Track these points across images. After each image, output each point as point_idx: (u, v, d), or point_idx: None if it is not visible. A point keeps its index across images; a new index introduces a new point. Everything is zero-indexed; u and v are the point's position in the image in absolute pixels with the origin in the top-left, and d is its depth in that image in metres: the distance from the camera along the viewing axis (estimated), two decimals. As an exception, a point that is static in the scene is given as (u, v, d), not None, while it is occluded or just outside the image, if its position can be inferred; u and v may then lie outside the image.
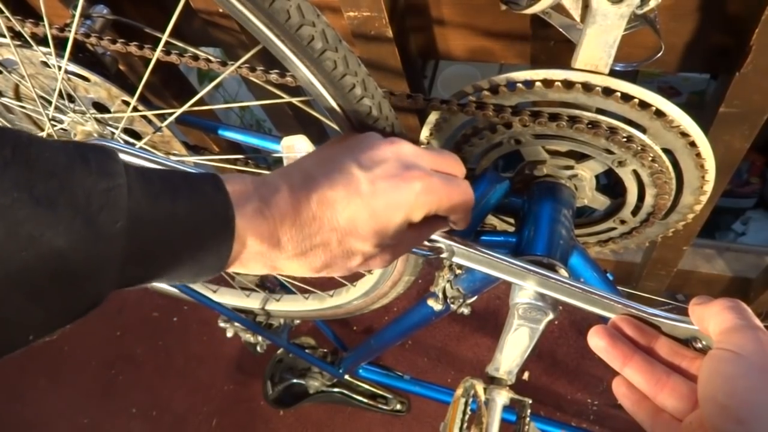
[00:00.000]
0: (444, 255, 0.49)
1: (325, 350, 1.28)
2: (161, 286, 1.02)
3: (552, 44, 0.69)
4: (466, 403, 0.62)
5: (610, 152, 0.56)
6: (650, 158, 0.55)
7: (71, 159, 0.29)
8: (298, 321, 1.21)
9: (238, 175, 0.38)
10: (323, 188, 0.38)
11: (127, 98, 0.68)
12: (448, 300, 0.69)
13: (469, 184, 0.44)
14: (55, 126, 0.72)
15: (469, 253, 0.48)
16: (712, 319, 0.37)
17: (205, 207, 0.34)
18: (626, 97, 0.51)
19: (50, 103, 0.67)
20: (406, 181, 0.39)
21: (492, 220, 0.74)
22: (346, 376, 1.28)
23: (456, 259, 0.49)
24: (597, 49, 0.49)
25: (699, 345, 0.40)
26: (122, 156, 0.44)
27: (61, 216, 0.27)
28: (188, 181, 0.34)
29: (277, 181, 0.38)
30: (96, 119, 0.71)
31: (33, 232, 0.26)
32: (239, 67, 0.57)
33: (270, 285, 1.05)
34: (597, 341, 0.41)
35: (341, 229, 0.38)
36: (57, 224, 0.27)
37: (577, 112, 0.54)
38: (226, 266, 0.36)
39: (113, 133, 0.71)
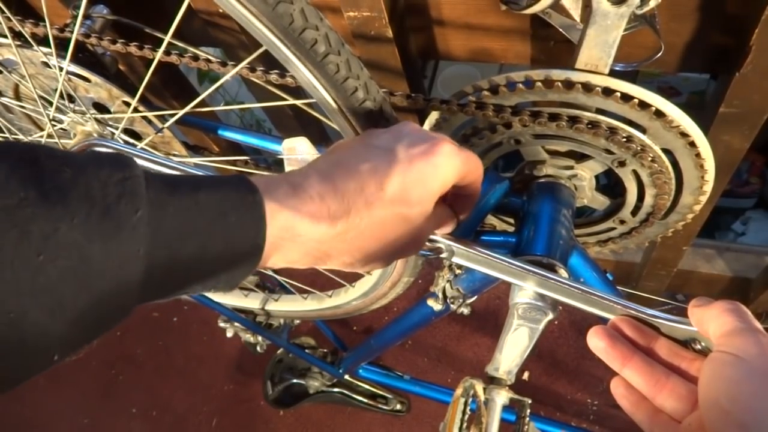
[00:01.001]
0: (444, 255, 0.49)
1: (325, 350, 1.28)
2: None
3: (552, 44, 0.69)
4: (465, 403, 0.62)
5: (609, 152, 0.56)
6: (650, 158, 0.55)
7: (82, 158, 0.27)
8: (297, 321, 1.21)
9: (261, 175, 0.37)
10: (358, 163, 0.36)
11: (127, 99, 0.68)
12: (448, 300, 0.69)
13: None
14: (55, 126, 0.72)
15: (468, 253, 0.48)
16: (712, 321, 0.37)
17: (229, 192, 0.31)
18: (626, 97, 0.51)
19: (50, 103, 0.67)
20: (436, 145, 0.39)
21: (492, 220, 0.74)
22: (346, 376, 1.28)
23: (456, 259, 0.49)
24: (597, 49, 0.49)
25: (698, 346, 0.40)
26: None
27: (75, 209, 0.25)
28: (208, 176, 0.32)
29: (302, 170, 0.36)
30: (96, 119, 0.71)
31: (45, 229, 0.24)
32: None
33: (269, 285, 1.05)
34: (596, 342, 0.41)
35: (390, 198, 0.36)
36: (71, 217, 0.24)
37: (576, 112, 0.54)
38: (262, 255, 0.32)
39: (113, 134, 0.71)
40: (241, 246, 0.31)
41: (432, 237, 0.48)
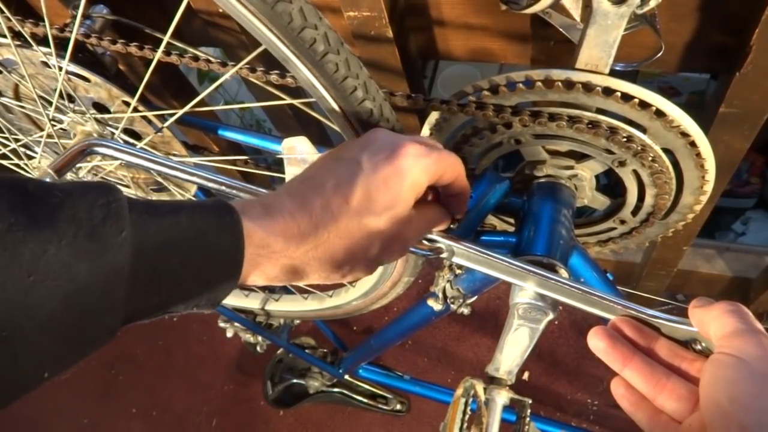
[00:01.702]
0: (444, 255, 0.49)
1: (325, 350, 1.28)
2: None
3: (552, 44, 0.69)
4: (466, 403, 0.62)
5: (610, 152, 0.56)
6: (650, 158, 0.55)
7: (69, 185, 0.28)
8: (297, 321, 1.21)
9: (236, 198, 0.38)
10: (324, 179, 0.38)
11: (127, 99, 0.68)
12: (448, 300, 0.69)
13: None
14: (55, 126, 0.72)
15: (468, 253, 0.48)
16: (713, 322, 0.37)
17: (208, 213, 0.33)
18: (626, 97, 0.51)
19: (50, 103, 0.67)
20: (400, 149, 0.40)
21: (492, 220, 0.74)
22: (346, 376, 1.28)
23: (456, 260, 0.49)
24: (597, 49, 0.49)
25: (699, 347, 0.40)
26: (122, 156, 0.44)
27: (62, 231, 0.26)
28: (187, 201, 0.34)
29: (276, 191, 0.38)
30: (96, 119, 0.71)
31: (35, 250, 0.25)
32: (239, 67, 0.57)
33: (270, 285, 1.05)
34: (597, 342, 0.41)
35: (354, 209, 0.38)
36: (59, 239, 0.26)
37: (577, 112, 0.54)
38: (242, 272, 0.34)
39: (113, 134, 0.71)
40: (222, 264, 0.33)
41: (431, 237, 0.48)
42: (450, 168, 0.43)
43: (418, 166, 0.40)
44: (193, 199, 0.82)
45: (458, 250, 0.48)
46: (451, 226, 0.49)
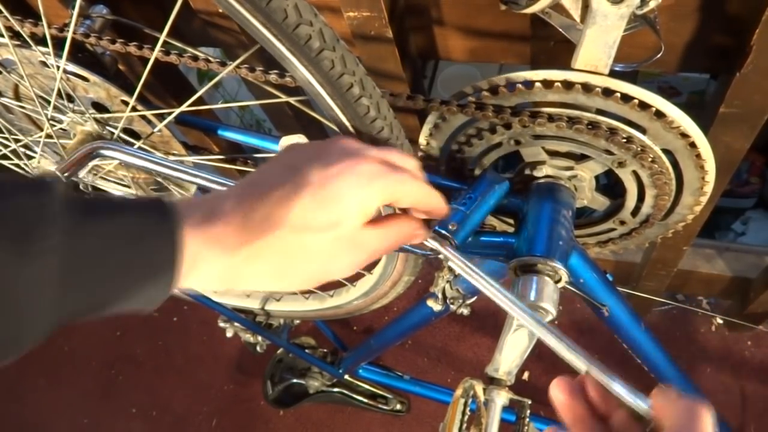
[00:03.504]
0: (442, 256, 0.49)
1: (325, 350, 1.28)
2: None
3: (552, 44, 0.69)
4: (465, 404, 0.61)
5: (609, 153, 0.56)
6: (650, 159, 0.55)
7: (3, 184, 0.28)
8: (298, 321, 1.21)
9: (185, 197, 0.37)
10: (271, 188, 0.37)
11: (126, 98, 0.68)
12: (447, 300, 0.69)
13: (420, 170, 0.43)
14: (54, 126, 0.72)
15: (456, 263, 0.47)
16: (670, 414, 0.36)
17: (145, 216, 0.32)
18: (626, 98, 0.51)
19: (49, 103, 0.67)
20: (355, 165, 0.38)
21: (492, 220, 0.74)
22: (346, 376, 1.28)
23: (450, 264, 0.49)
24: (597, 49, 0.49)
25: (648, 428, 0.39)
26: (122, 156, 0.44)
27: None
28: (129, 200, 0.33)
29: (224, 192, 0.38)
30: (95, 119, 0.71)
31: None
32: (238, 67, 0.57)
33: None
34: (557, 394, 0.40)
35: (294, 225, 0.37)
36: None
37: (576, 112, 0.54)
38: (178, 277, 0.34)
39: (112, 133, 0.71)
40: (157, 267, 0.33)
41: (425, 243, 0.48)
42: (409, 193, 0.41)
43: (369, 187, 0.38)
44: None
45: (448, 256, 0.48)
46: (449, 229, 0.49)
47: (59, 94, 0.66)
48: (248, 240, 0.36)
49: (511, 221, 0.71)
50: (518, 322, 0.55)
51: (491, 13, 0.70)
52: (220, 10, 0.79)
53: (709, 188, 0.60)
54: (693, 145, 0.55)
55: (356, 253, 0.40)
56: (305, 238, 0.37)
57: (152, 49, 0.59)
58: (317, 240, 0.38)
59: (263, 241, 0.36)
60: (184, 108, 0.59)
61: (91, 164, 0.70)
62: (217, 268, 0.36)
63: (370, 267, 0.84)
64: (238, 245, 0.36)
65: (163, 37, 0.50)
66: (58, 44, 0.61)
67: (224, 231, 0.35)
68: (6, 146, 0.78)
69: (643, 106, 0.52)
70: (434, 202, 0.44)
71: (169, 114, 0.65)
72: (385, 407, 1.36)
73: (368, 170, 0.38)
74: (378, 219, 0.41)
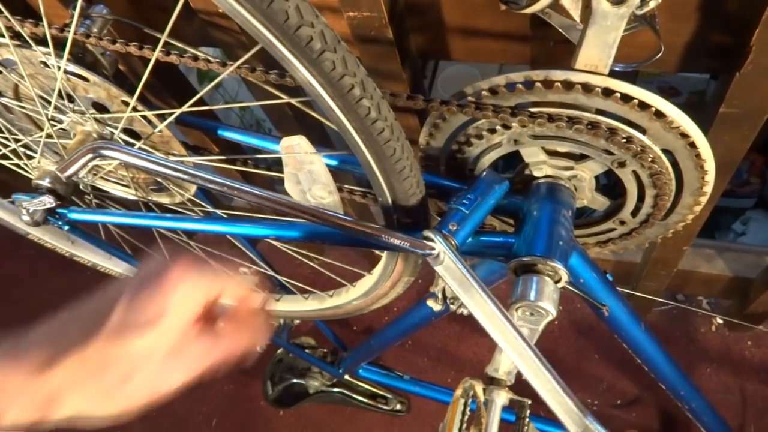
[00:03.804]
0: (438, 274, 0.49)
1: (325, 350, 1.28)
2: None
3: (552, 44, 0.69)
4: (465, 404, 0.61)
5: (609, 153, 0.56)
6: (650, 159, 0.55)
7: None
8: (297, 321, 1.21)
9: None
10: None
11: (126, 98, 0.68)
12: (447, 300, 0.68)
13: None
14: (55, 126, 0.72)
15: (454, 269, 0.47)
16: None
17: None
18: (626, 98, 0.51)
19: (50, 103, 0.67)
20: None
21: (492, 220, 0.74)
22: (346, 376, 1.28)
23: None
24: (597, 49, 0.49)
25: None
26: (122, 156, 0.44)
27: None
28: None
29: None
30: (95, 119, 0.71)
31: None
32: (239, 67, 0.57)
33: (270, 285, 1.05)
34: None
35: None
36: None
37: (576, 112, 0.54)
38: None
39: (113, 134, 0.71)
40: None
41: (425, 243, 0.47)
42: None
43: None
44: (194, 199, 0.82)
45: (446, 260, 0.48)
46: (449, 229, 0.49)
47: (59, 94, 0.66)
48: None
49: (511, 221, 0.71)
50: (517, 323, 0.55)
51: (491, 13, 0.70)
52: (220, 10, 0.79)
53: (708, 188, 0.60)
54: (693, 145, 0.55)
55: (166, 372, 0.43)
56: None
57: (153, 50, 0.59)
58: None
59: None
60: (185, 109, 0.59)
61: (91, 164, 0.70)
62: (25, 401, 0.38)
63: (370, 267, 0.84)
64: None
65: (164, 37, 0.50)
66: (59, 44, 0.61)
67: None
68: (6, 146, 0.78)
69: (643, 106, 0.52)
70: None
71: (170, 114, 0.65)
72: (385, 407, 1.36)
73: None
74: None
